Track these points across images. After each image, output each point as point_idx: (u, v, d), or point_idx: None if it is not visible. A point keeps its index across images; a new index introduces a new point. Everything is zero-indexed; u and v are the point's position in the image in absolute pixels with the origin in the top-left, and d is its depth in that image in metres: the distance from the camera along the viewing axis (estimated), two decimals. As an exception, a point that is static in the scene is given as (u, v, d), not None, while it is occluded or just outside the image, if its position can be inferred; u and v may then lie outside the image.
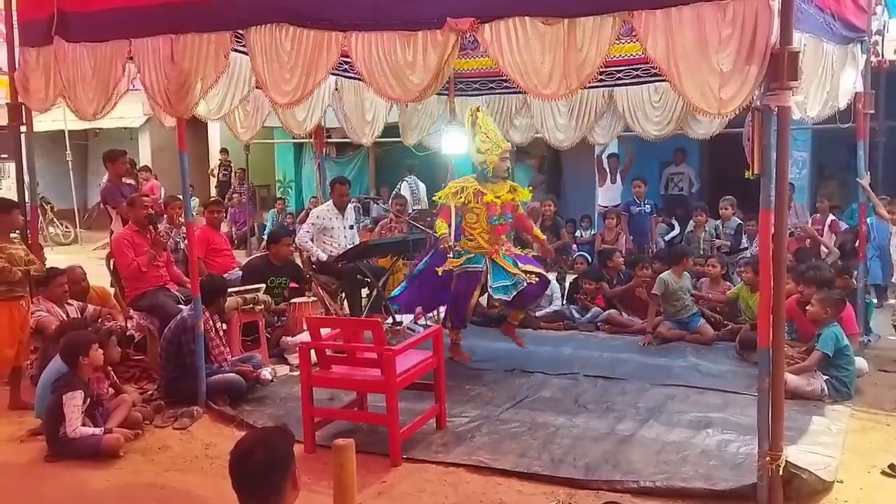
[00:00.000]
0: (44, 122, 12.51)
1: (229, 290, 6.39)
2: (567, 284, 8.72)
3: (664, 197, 12.05)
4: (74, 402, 4.80)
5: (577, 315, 7.99)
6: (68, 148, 15.02)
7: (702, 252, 8.69)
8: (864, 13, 6.07)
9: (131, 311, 6.77)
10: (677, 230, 10.69)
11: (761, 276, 3.89)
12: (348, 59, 4.95)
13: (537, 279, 6.28)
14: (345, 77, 7.52)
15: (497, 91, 8.46)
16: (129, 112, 14.97)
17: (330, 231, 8.00)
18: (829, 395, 5.43)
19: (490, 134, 6.30)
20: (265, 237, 14.63)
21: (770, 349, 3.82)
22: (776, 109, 3.72)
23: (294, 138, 12.29)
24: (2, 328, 5.60)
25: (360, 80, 5.43)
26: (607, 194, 11.17)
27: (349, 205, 8.34)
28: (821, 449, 4.52)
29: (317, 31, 4.78)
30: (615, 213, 10.22)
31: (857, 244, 7.09)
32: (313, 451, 4.71)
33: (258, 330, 6.72)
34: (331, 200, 8.20)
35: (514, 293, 6.16)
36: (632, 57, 6.99)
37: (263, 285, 6.97)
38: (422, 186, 13.08)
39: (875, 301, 7.78)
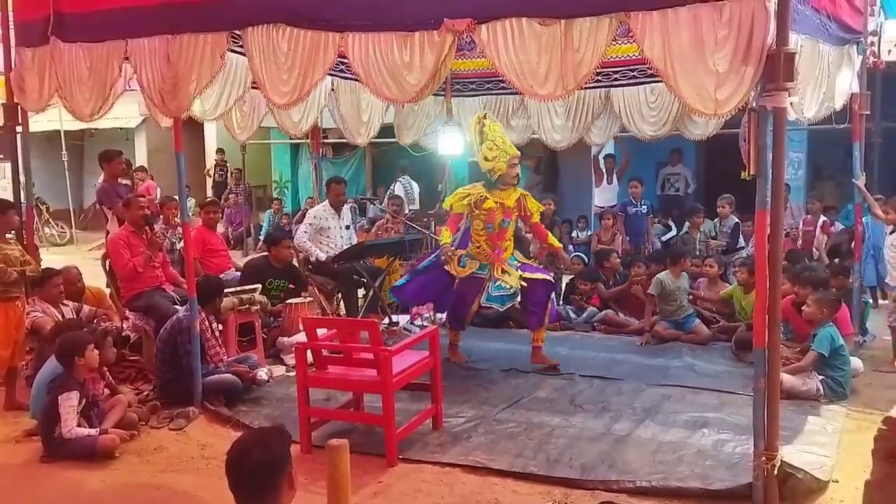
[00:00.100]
0: (40, 123, 12.49)
1: (225, 290, 6.39)
2: (563, 285, 8.72)
3: (660, 197, 12.06)
4: (70, 403, 4.79)
5: (573, 315, 8.00)
6: (64, 148, 15.01)
7: (697, 253, 8.70)
8: (860, 14, 6.08)
9: (127, 311, 6.75)
10: (674, 231, 10.71)
11: (757, 276, 3.90)
12: (345, 60, 4.95)
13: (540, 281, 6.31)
14: (341, 77, 7.51)
15: (494, 92, 8.46)
16: (125, 112, 14.93)
17: (326, 231, 8.00)
18: (824, 395, 5.44)
19: (497, 141, 6.24)
20: (261, 237, 14.75)
21: (766, 349, 3.83)
22: (772, 110, 3.73)
23: (290, 139, 12.29)
24: (-3, 329, 5.59)
25: (356, 80, 5.43)
26: (604, 195, 11.18)
27: (345, 205, 8.34)
28: (816, 449, 4.53)
29: (313, 32, 4.78)
30: (611, 213, 10.24)
31: (852, 245, 7.10)
32: (309, 452, 4.71)
33: (254, 330, 6.71)
34: (327, 200, 8.20)
35: (510, 304, 6.29)
36: (628, 58, 7.00)
37: (259, 286, 6.96)
38: (415, 186, 13.08)
39: (871, 301, 7.79)
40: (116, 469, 4.70)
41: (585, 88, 7.15)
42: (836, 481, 4.18)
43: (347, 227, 8.26)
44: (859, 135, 6.63)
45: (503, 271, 6.27)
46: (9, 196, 6.61)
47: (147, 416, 5.40)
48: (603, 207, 10.81)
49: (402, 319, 7.84)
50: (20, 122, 6.33)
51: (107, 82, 5.49)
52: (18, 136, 6.44)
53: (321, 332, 5.10)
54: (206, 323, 5.77)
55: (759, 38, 3.69)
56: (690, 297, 7.50)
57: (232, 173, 16.21)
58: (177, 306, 6.27)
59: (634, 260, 8.32)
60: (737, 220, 9.30)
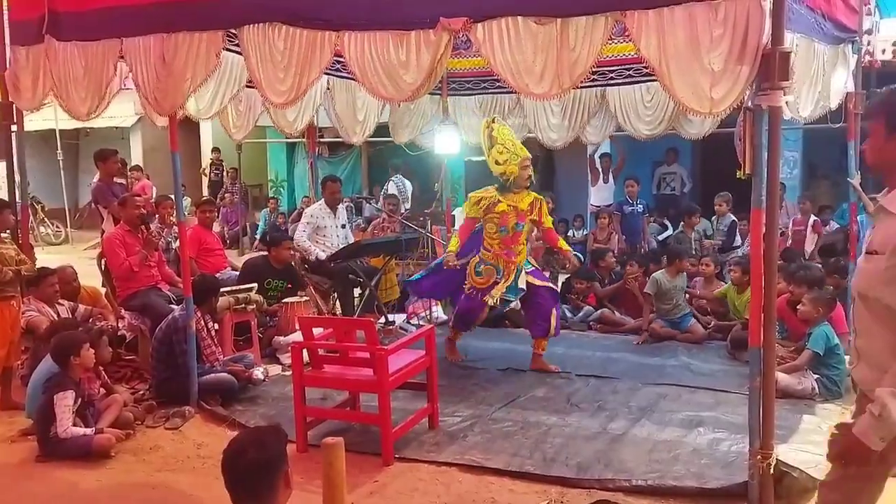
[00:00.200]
0: (35, 122, 12.49)
1: (221, 289, 6.38)
2: (559, 284, 8.72)
3: (656, 197, 12.09)
4: (65, 403, 4.78)
5: (569, 314, 8.00)
6: (59, 147, 14.99)
7: (693, 252, 8.72)
8: (855, 13, 6.09)
9: (122, 310, 6.74)
10: (670, 230, 10.72)
11: (752, 275, 3.90)
12: (341, 59, 4.95)
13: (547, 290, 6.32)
14: (336, 76, 7.51)
15: (490, 91, 8.47)
16: (120, 111, 14.92)
17: (323, 230, 8.00)
18: (819, 393, 5.45)
19: (507, 144, 6.15)
20: (257, 237, 14.76)
21: (761, 348, 3.84)
22: (767, 109, 3.73)
23: (286, 138, 12.28)
24: (-7, 328, 5.58)
25: (352, 79, 5.43)
26: (599, 194, 11.19)
27: (341, 204, 8.33)
28: (811, 447, 4.51)
29: (309, 31, 4.78)
30: (607, 212, 10.25)
31: (847, 244, 7.11)
32: (305, 451, 4.71)
33: (250, 330, 6.71)
34: (323, 199, 8.20)
35: (516, 298, 6.31)
36: (624, 57, 7.01)
37: (255, 285, 6.96)
38: (408, 185, 13.08)
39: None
40: (112, 468, 4.69)
41: (581, 87, 7.15)
42: (832, 479, 4.19)
43: (343, 226, 8.26)
44: (854, 134, 6.63)
45: (514, 275, 6.21)
46: (4, 195, 6.61)
47: (143, 416, 5.39)
48: (599, 206, 10.81)
49: (399, 319, 7.85)
50: (15, 120, 6.32)
51: (102, 81, 5.48)
52: (13, 135, 6.43)
53: (317, 331, 5.10)
54: (202, 322, 5.77)
55: (755, 37, 3.70)
56: (687, 296, 7.52)
57: (228, 172, 16.19)
58: (173, 305, 6.27)
59: (630, 259, 8.33)
60: (734, 218, 9.32)
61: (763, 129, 3.75)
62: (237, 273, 7.65)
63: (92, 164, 8.47)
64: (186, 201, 11.47)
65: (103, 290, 7.37)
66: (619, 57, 7.05)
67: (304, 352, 4.96)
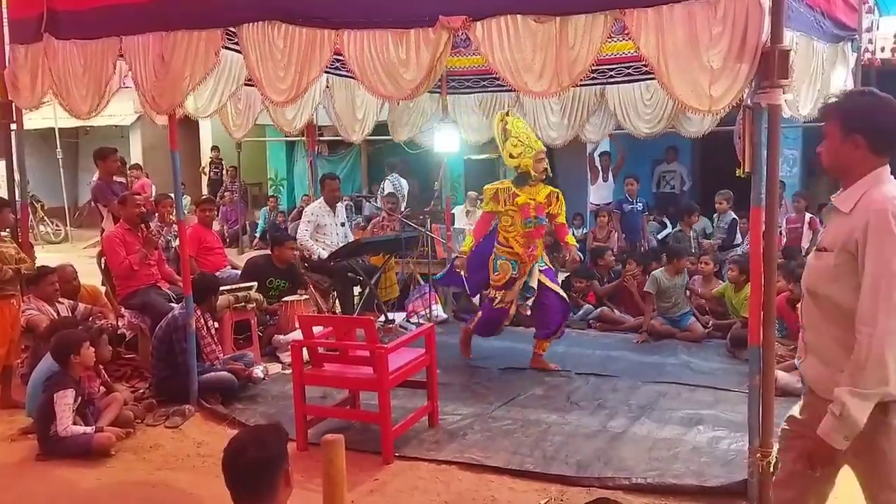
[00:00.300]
0: (34, 120, 12.48)
1: (221, 288, 6.38)
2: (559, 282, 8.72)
3: (656, 195, 12.07)
4: (65, 401, 4.78)
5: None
6: (59, 146, 14.97)
7: (693, 250, 8.72)
8: (854, 11, 6.09)
9: (122, 309, 6.74)
10: (669, 228, 10.72)
11: (752, 273, 3.90)
12: (340, 57, 4.94)
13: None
14: (336, 75, 7.50)
15: (489, 89, 8.45)
16: (119, 110, 14.90)
17: (323, 228, 8.01)
18: (819, 391, 5.44)
19: (522, 137, 6.09)
20: (257, 235, 14.75)
21: (760, 346, 3.84)
22: (767, 107, 3.73)
23: (286, 136, 12.28)
24: (-8, 327, 5.58)
25: (351, 77, 5.42)
26: (599, 192, 11.18)
27: (340, 202, 8.33)
28: (811, 445, 4.54)
29: (309, 29, 4.77)
30: (607, 211, 10.24)
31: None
32: (306, 449, 4.71)
33: (250, 328, 6.71)
34: (322, 198, 8.20)
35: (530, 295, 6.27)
36: (623, 55, 7.00)
37: (255, 283, 6.95)
38: (404, 184, 13.05)
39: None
40: (112, 467, 4.70)
41: (580, 86, 7.16)
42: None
43: (343, 225, 8.26)
44: (854, 132, 6.63)
45: (530, 272, 6.18)
46: (3, 194, 6.61)
47: (143, 414, 5.39)
48: (598, 205, 10.80)
49: (398, 317, 7.85)
50: (14, 119, 6.32)
51: (102, 79, 5.47)
52: (13, 134, 6.42)
53: (317, 329, 5.10)
54: (202, 321, 5.77)
55: (754, 35, 3.69)
56: (688, 293, 7.52)
57: (227, 171, 16.19)
58: (172, 304, 6.27)
59: (629, 257, 8.33)
60: (734, 216, 9.31)
61: (762, 127, 3.75)
62: (237, 271, 7.65)
63: (91, 162, 8.46)
64: (186, 200, 11.47)
65: (103, 289, 7.37)
66: (618, 55, 7.03)
67: (304, 350, 4.97)
